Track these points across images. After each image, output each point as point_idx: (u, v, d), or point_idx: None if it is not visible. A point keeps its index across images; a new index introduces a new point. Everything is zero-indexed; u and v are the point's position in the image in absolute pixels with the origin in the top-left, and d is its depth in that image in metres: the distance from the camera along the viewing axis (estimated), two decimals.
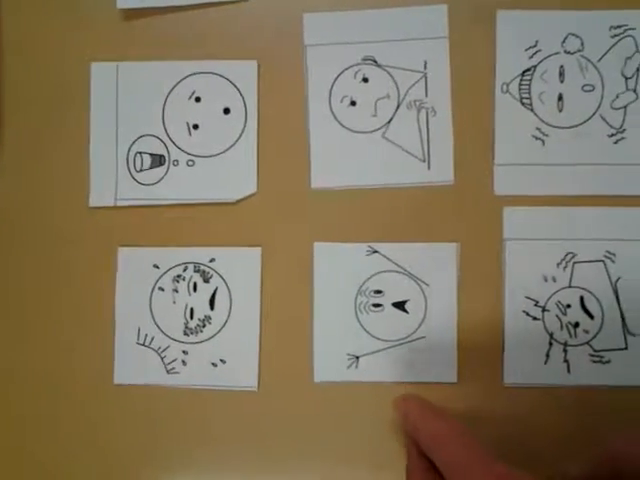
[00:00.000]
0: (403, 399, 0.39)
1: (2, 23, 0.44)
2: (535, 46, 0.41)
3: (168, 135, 0.43)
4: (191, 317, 0.43)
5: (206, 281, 0.43)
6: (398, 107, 0.42)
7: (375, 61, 0.42)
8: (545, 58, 0.41)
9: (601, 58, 0.41)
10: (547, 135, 0.41)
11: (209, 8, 0.43)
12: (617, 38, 0.41)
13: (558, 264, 0.41)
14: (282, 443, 0.42)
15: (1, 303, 0.44)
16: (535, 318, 0.41)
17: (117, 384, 0.43)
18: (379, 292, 0.42)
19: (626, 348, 0.41)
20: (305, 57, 0.42)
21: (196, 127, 0.43)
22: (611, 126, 0.41)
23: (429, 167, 0.42)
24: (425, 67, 0.42)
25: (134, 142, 0.43)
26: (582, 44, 0.41)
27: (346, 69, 0.42)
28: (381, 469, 0.42)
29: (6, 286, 0.44)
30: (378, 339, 0.42)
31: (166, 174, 0.43)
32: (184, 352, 0.43)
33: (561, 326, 0.41)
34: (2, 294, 0.44)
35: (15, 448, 0.43)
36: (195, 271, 0.43)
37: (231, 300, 0.43)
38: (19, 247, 0.44)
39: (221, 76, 0.43)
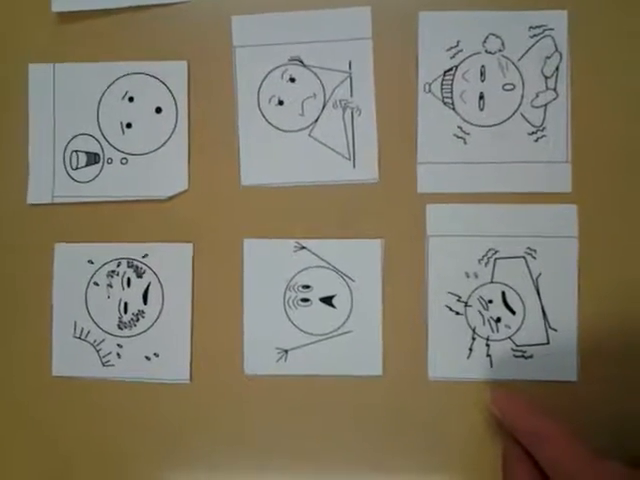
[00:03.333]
0: (499, 397, 0.40)
1: None
2: (456, 46, 0.42)
3: (102, 134, 0.44)
4: (125, 311, 0.44)
5: (139, 276, 0.44)
6: (324, 107, 0.43)
7: (301, 61, 0.43)
8: (466, 58, 0.42)
9: (521, 58, 0.42)
10: (468, 134, 0.42)
11: (142, 11, 0.44)
12: (536, 38, 0.42)
13: (480, 260, 0.42)
14: (214, 434, 0.43)
15: None
16: (458, 313, 0.42)
17: (55, 376, 0.44)
18: (307, 287, 0.43)
19: (548, 343, 0.42)
20: (234, 58, 0.43)
21: (129, 126, 0.44)
22: (531, 124, 0.42)
23: (354, 165, 0.43)
24: (350, 67, 0.43)
25: (70, 141, 0.44)
26: (502, 44, 0.42)
27: (273, 69, 0.43)
28: (306, 458, 0.43)
29: None
30: (306, 333, 0.43)
31: (101, 172, 0.44)
32: (119, 345, 0.44)
33: (483, 321, 0.42)
34: None
35: None
36: (129, 266, 0.44)
37: (163, 295, 0.44)
38: None
39: (153, 76, 0.44)
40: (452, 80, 0.42)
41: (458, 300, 0.42)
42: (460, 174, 0.42)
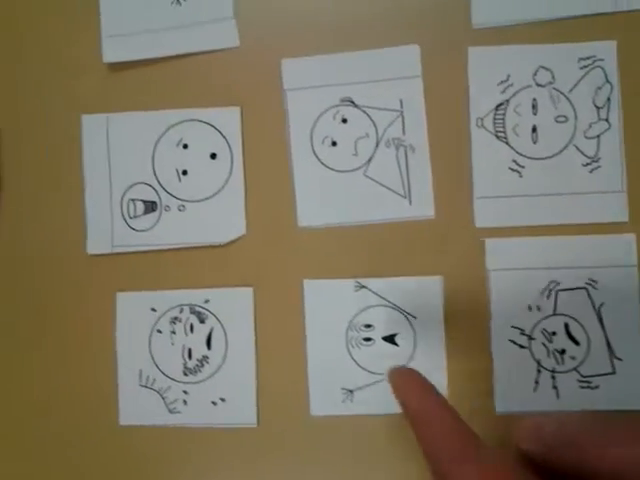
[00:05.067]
0: (396, 372, 0.37)
1: None
2: (507, 80, 0.42)
3: (159, 182, 0.45)
4: (189, 357, 0.44)
5: (202, 322, 0.44)
6: (377, 146, 0.43)
7: (353, 102, 0.43)
8: (517, 91, 0.42)
9: (572, 89, 0.42)
10: (523, 167, 0.42)
11: (192, 58, 0.45)
12: (586, 69, 0.42)
13: (542, 293, 0.42)
14: (283, 476, 0.43)
15: (5, 353, 0.46)
16: (522, 346, 0.42)
17: (122, 425, 0.45)
18: (369, 326, 0.43)
19: (614, 372, 0.41)
20: (285, 101, 0.44)
21: (185, 173, 0.45)
22: (586, 155, 0.42)
23: (410, 202, 0.43)
24: (401, 106, 0.43)
25: (127, 190, 0.45)
26: (553, 76, 0.42)
27: (325, 111, 0.44)
28: None
29: (10, 335, 0.46)
30: (370, 372, 0.43)
31: (159, 220, 0.45)
32: (184, 392, 0.44)
33: (548, 353, 0.42)
34: (6, 344, 0.46)
35: None
36: (191, 312, 0.44)
37: (227, 339, 0.44)
38: (22, 297, 0.46)
39: (206, 123, 0.44)
40: (504, 114, 0.42)
41: (522, 333, 0.42)
42: (517, 207, 0.42)
